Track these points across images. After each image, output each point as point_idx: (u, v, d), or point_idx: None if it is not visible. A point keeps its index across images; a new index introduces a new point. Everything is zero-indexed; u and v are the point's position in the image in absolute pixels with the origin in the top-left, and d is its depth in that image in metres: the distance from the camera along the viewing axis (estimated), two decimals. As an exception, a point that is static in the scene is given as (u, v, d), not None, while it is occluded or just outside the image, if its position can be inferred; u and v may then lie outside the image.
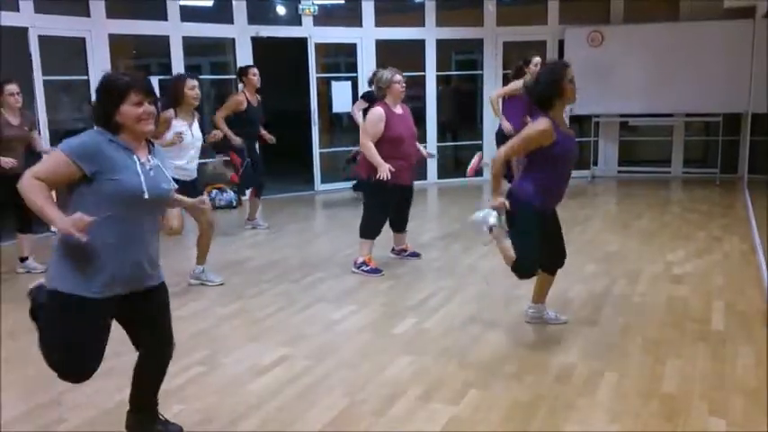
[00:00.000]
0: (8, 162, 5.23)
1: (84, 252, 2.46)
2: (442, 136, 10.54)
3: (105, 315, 2.59)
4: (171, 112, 4.91)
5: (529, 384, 3.37)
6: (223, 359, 3.80)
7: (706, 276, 5.09)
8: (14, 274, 5.68)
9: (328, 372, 3.59)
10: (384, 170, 5.13)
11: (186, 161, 5.02)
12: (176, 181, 4.73)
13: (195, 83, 4.96)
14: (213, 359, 3.79)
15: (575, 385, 3.34)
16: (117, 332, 3.76)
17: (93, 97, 2.62)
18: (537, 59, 7.05)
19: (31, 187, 2.40)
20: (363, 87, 9.42)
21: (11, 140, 5.42)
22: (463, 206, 8.30)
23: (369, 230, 5.48)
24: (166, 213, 2.76)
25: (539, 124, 3.62)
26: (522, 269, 3.90)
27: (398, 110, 5.38)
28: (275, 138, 7.16)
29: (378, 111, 5.27)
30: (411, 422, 3.03)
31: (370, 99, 7.73)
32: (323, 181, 9.76)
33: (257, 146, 7.17)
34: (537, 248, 3.82)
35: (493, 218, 3.92)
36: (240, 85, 7.11)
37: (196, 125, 5.11)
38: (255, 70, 6.94)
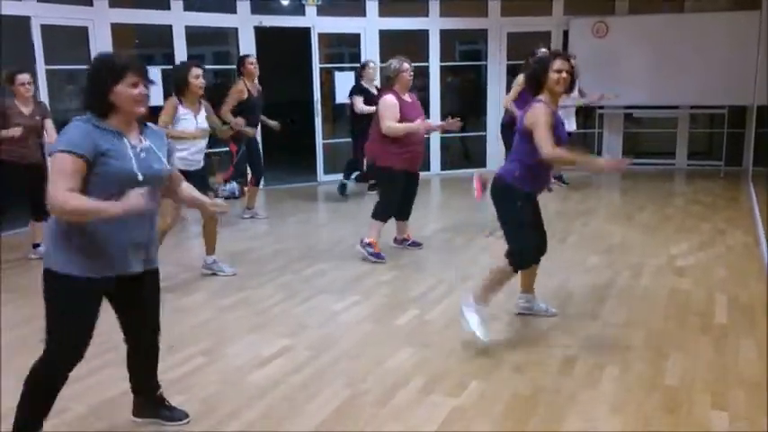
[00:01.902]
0: (14, 131, 5.26)
1: (81, 233, 2.46)
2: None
3: (95, 295, 2.57)
4: (174, 98, 4.88)
5: (531, 377, 3.36)
6: (225, 350, 3.80)
7: (709, 269, 5.07)
8: (25, 260, 5.72)
9: (330, 363, 3.59)
10: (427, 126, 5.52)
11: (191, 151, 4.91)
12: (181, 171, 4.67)
13: (200, 71, 4.90)
14: (215, 350, 3.79)
15: (577, 378, 3.34)
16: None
17: (88, 76, 2.54)
18: (543, 50, 6.85)
19: (69, 201, 2.34)
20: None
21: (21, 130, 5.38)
22: (466, 198, 8.29)
23: (380, 212, 5.55)
24: (161, 206, 2.74)
25: (537, 109, 3.59)
26: (523, 261, 3.81)
27: (407, 98, 5.46)
28: (278, 124, 7.16)
29: (390, 98, 5.34)
30: (412, 413, 3.04)
31: (361, 91, 7.78)
32: (326, 172, 9.74)
33: (258, 135, 7.17)
34: (534, 235, 3.82)
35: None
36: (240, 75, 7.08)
37: (202, 114, 5.02)
38: (252, 59, 6.94)
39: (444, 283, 4.90)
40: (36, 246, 5.68)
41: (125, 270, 2.58)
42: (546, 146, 3.50)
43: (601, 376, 3.34)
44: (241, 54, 7.48)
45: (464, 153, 11.08)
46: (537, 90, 3.71)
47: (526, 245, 3.79)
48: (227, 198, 8.46)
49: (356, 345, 3.84)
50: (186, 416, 2.99)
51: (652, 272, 5.04)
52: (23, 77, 5.42)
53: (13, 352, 3.77)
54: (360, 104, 7.71)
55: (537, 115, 3.57)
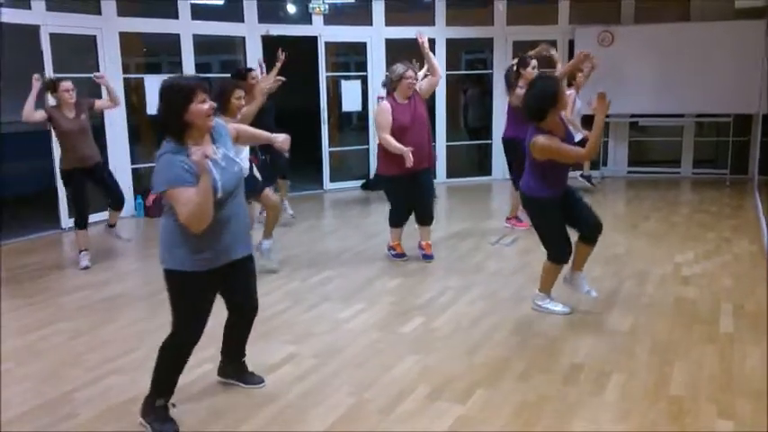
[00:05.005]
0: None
1: (192, 238, 2.77)
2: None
3: (207, 286, 2.93)
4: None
5: (536, 384, 3.37)
6: (232, 356, 3.82)
7: (715, 278, 5.07)
8: (17, 272, 5.77)
9: (335, 370, 3.61)
10: (407, 156, 5.17)
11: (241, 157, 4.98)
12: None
13: (242, 93, 4.87)
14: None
15: (582, 386, 3.35)
16: (129, 329, 3.80)
17: (162, 103, 2.76)
18: (534, 62, 6.61)
19: (188, 213, 2.65)
20: (372, 86, 9.43)
21: (69, 134, 5.65)
22: (472, 206, 8.32)
23: (390, 219, 5.79)
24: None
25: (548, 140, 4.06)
26: (558, 258, 4.31)
27: (405, 101, 5.41)
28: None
29: (383, 105, 5.43)
30: (418, 421, 3.05)
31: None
32: (332, 179, 9.78)
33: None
34: (561, 235, 4.26)
35: None
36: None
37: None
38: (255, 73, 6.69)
39: (450, 291, 4.91)
40: (111, 226, 6.21)
41: (228, 259, 2.94)
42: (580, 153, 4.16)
43: (606, 384, 3.35)
44: (244, 67, 7.20)
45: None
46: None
47: (556, 244, 4.30)
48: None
49: (362, 352, 3.86)
50: (262, 380, 3.42)
51: (657, 280, 5.04)
52: (67, 85, 5.66)
53: (25, 359, 3.80)
54: None
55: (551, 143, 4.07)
